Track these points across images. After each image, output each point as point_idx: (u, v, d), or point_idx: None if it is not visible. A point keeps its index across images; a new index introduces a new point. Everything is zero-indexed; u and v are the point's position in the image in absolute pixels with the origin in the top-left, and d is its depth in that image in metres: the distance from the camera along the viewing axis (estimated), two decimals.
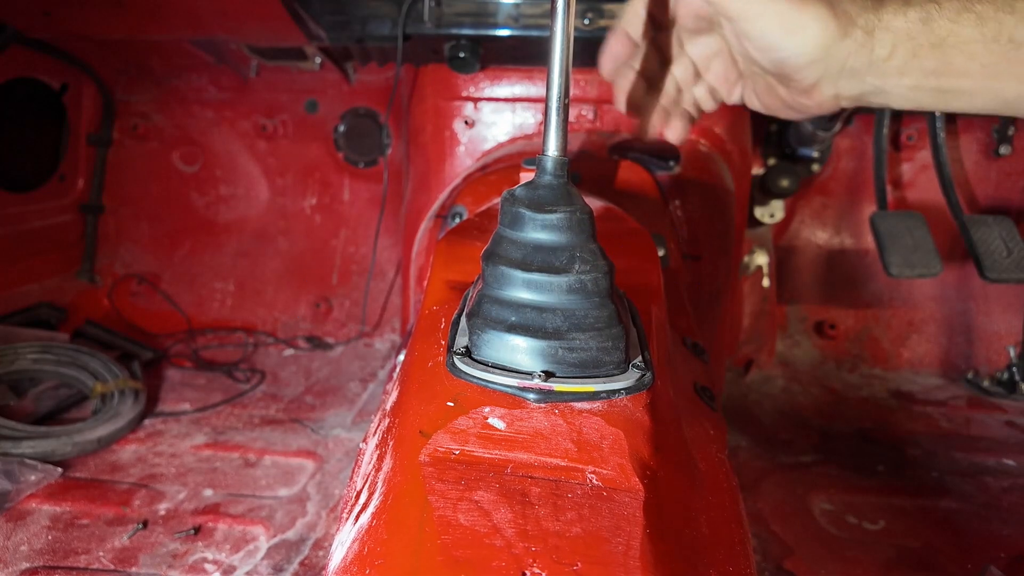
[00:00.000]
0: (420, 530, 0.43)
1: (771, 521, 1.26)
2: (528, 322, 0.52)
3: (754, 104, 0.77)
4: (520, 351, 0.52)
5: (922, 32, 0.60)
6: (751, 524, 1.25)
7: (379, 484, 0.51)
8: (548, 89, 0.54)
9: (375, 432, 0.62)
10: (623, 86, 0.82)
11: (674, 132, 0.83)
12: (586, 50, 1.61)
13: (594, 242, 0.55)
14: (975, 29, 0.58)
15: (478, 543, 0.42)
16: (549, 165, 0.55)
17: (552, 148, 0.55)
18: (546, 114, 0.55)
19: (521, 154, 1.57)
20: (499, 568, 0.41)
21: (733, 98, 0.80)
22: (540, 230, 0.54)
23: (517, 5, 1.48)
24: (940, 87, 0.62)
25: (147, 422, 1.57)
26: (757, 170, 1.92)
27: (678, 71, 0.80)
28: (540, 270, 0.53)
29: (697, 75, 0.81)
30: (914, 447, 1.55)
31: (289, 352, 2.02)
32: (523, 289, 0.53)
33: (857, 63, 0.63)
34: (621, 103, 0.83)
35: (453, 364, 0.54)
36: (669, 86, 0.81)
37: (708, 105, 0.82)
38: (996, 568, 1.09)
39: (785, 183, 1.87)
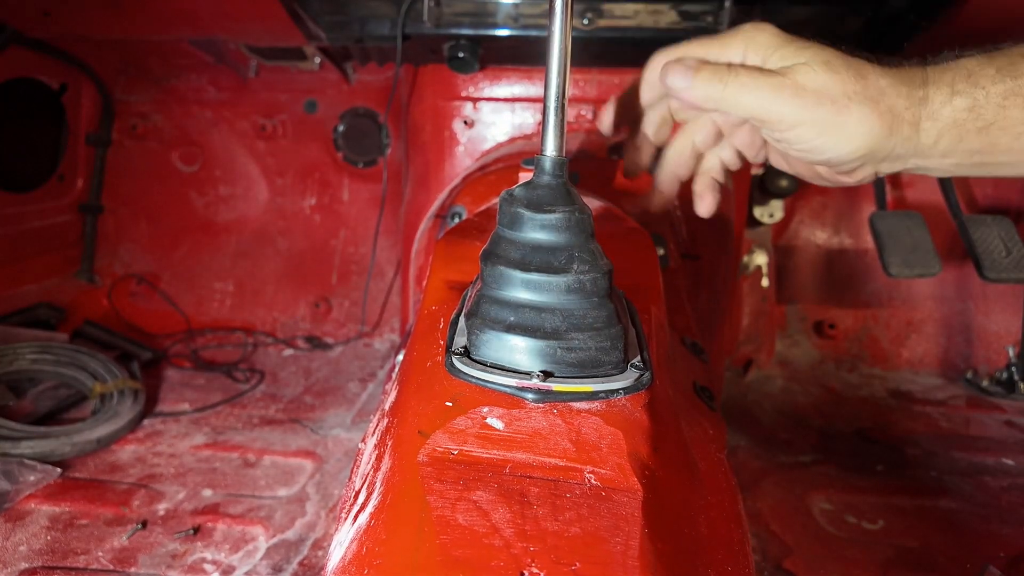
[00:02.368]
0: (419, 530, 0.43)
1: (770, 521, 1.26)
2: (527, 322, 0.52)
3: (782, 166, 0.74)
4: (519, 351, 0.52)
5: (968, 119, 0.59)
6: (750, 524, 1.25)
7: (378, 484, 0.51)
8: (546, 89, 0.54)
9: (374, 432, 0.62)
10: (629, 149, 0.77)
11: (704, 205, 0.78)
12: (586, 50, 1.62)
13: (593, 242, 0.55)
14: (1022, 111, 0.58)
15: (477, 543, 0.42)
16: (547, 165, 0.55)
17: (550, 148, 0.55)
18: (544, 114, 0.55)
19: (520, 154, 1.57)
20: (498, 568, 0.40)
21: (759, 159, 0.76)
22: (539, 230, 0.54)
23: (516, 5, 1.48)
24: (983, 162, 0.62)
25: (146, 422, 1.57)
26: (756, 170, 1.92)
27: (697, 136, 0.76)
28: (539, 270, 0.53)
29: (719, 137, 0.76)
30: (913, 447, 1.54)
31: (288, 352, 2.02)
32: (522, 289, 0.53)
33: (902, 151, 0.62)
34: (628, 171, 0.79)
35: (452, 364, 0.54)
36: (683, 149, 0.77)
37: (735, 165, 0.77)
38: (995, 568, 1.09)
39: (784, 183, 1.87)
